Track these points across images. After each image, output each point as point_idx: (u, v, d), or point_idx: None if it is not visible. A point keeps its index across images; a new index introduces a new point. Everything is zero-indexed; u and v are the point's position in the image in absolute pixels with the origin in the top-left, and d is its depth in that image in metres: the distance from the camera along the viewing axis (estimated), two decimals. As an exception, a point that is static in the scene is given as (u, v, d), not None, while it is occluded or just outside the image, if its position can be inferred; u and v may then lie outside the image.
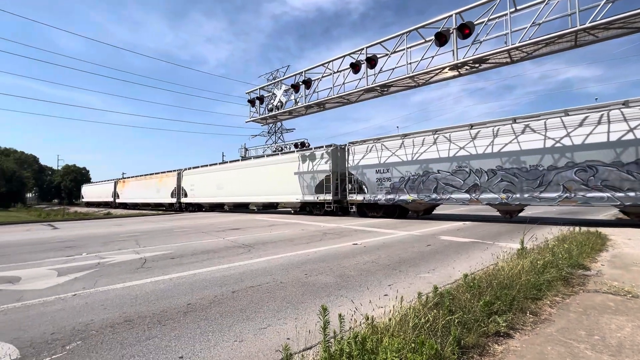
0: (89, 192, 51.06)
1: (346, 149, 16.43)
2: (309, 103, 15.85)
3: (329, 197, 16.77)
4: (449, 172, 12.61)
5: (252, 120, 19.25)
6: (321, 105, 16.56)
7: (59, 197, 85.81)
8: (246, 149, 33.38)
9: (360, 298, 4.02)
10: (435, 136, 13.20)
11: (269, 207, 24.70)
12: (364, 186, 15.53)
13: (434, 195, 12.98)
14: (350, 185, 16.24)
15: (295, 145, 27.08)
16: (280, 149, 29.53)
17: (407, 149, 14.10)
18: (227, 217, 19.31)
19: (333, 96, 14.71)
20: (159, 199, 30.16)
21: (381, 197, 14.82)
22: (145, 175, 34.48)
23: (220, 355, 2.87)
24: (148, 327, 3.37)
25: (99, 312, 3.77)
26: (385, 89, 14.10)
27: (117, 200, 39.02)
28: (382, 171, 14.89)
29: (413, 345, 2.53)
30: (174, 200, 28.20)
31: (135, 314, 3.71)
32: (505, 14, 10.21)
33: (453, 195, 12.41)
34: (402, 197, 14.08)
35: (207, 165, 26.33)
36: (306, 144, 26.36)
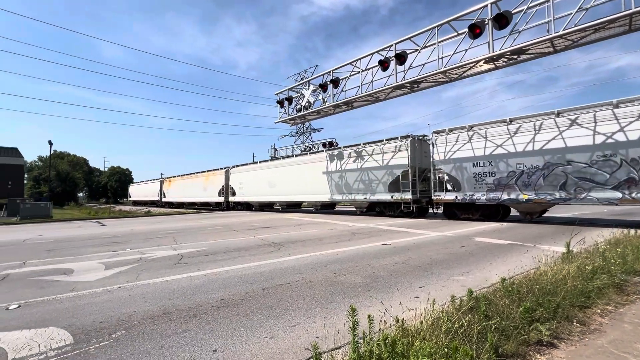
0: (135, 191, 52.31)
1: (430, 140, 14.15)
2: (337, 102, 15.81)
3: (407, 195, 14.40)
4: (586, 164, 9.83)
5: (281, 121, 19.56)
6: (349, 104, 16.46)
7: (105, 196, 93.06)
8: (275, 149, 34.01)
9: (390, 299, 3.95)
10: (562, 120, 10.22)
11: (328, 207, 23.11)
12: (453, 183, 12.96)
13: (560, 194, 10.21)
14: (435, 182, 13.62)
15: (324, 145, 27.18)
16: (308, 148, 29.79)
17: (517, 137, 11.21)
18: (257, 216, 19.79)
19: (361, 94, 14.57)
20: (206, 198, 30.06)
21: (480, 196, 12.06)
22: (191, 173, 34.63)
23: (252, 351, 2.95)
24: (184, 320, 3.55)
25: (141, 304, 4.02)
26: (416, 86, 13.70)
27: (163, 200, 39.58)
28: (481, 164, 12.04)
29: (446, 350, 2.43)
30: (221, 199, 28.07)
31: (172, 307, 3.91)
32: (547, 0, 9.51)
33: (593, 194, 9.65)
34: (511, 196, 11.32)
35: (256, 163, 26.13)
36: (334, 143, 26.36)
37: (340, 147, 19.89)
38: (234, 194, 27.03)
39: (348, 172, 17.62)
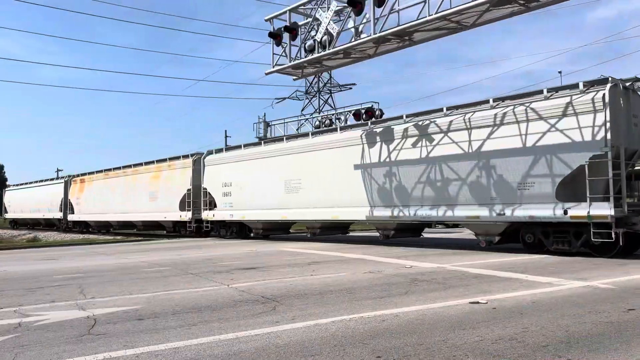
0: (16, 202, 55.55)
1: None
2: (383, 33, 15.74)
3: (602, 210, 13.15)
4: None
5: (277, 70, 19.69)
6: (405, 37, 16.36)
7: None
8: (267, 124, 34.38)
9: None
10: None
11: (336, 228, 23.86)
12: None
13: None
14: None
15: (356, 115, 27.25)
16: (327, 121, 29.89)
17: None
18: (236, 248, 19.95)
19: (429, 17, 14.44)
20: (157, 213, 31.22)
21: None
22: (126, 167, 36.16)
23: None
24: None
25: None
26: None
27: (71, 217, 41.97)
28: None
29: None
30: (186, 214, 28.90)
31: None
32: None
33: None
34: None
35: (259, 144, 26.34)
36: (376, 113, 26.36)
37: (390, 120, 19.73)
38: (212, 205, 27.54)
39: (440, 161, 17.00)
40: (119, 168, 37.08)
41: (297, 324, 6.44)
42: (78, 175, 42.90)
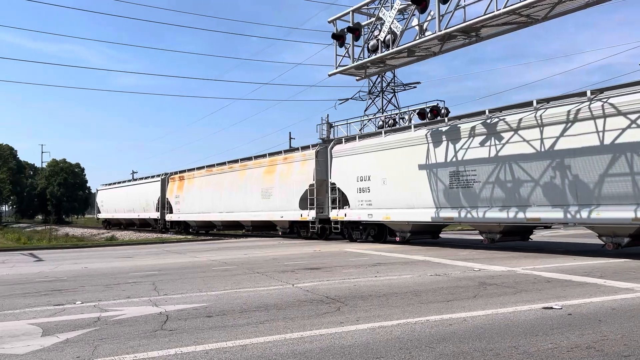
0: (109, 201, 53.78)
1: None
2: (448, 29, 15.44)
3: None
4: None
5: (340, 71, 19.74)
6: (471, 33, 15.99)
7: (44, 210, 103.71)
8: (330, 125, 34.50)
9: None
10: None
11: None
12: None
13: None
14: None
15: (421, 115, 26.81)
16: (390, 121, 29.62)
17: None
18: (297, 249, 20.19)
19: (496, 11, 14.03)
20: (272, 214, 28.27)
21: None
22: (231, 162, 33.65)
23: None
24: None
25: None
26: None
27: (169, 217, 39.59)
28: None
29: None
30: (310, 213, 25.32)
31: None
32: None
33: None
34: None
35: (407, 128, 22.02)
36: (442, 111, 25.83)
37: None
38: (342, 203, 23.95)
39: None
40: (223, 163, 34.36)
41: (362, 325, 6.44)
42: (176, 173, 40.20)
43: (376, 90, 50.71)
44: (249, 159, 31.83)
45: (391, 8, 17.22)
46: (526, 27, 15.44)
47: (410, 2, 16.03)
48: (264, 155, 30.99)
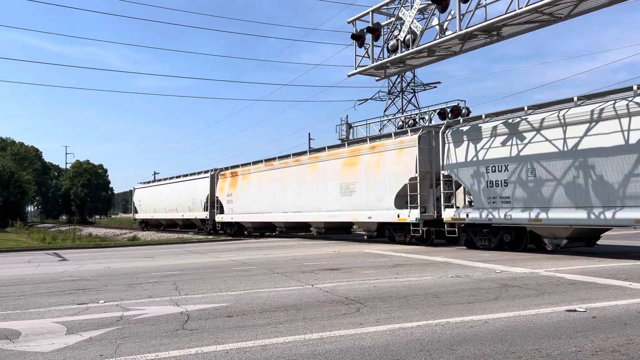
0: (148, 201, 49.38)
1: None
2: (469, 29, 15.32)
3: None
4: None
5: (360, 72, 19.72)
6: (493, 32, 15.84)
7: (68, 210, 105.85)
8: (350, 126, 34.56)
9: None
10: None
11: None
12: None
13: None
14: None
15: (441, 115, 26.70)
16: (410, 121, 29.50)
17: None
18: (317, 249, 20.21)
19: (518, 10, 13.88)
20: (356, 213, 23.65)
21: None
22: (297, 154, 29.40)
23: None
24: None
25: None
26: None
27: (220, 217, 35.28)
28: None
29: None
30: (412, 213, 20.31)
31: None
32: None
33: None
34: None
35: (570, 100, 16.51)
36: (463, 111, 25.67)
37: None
38: (456, 200, 19.70)
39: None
40: (287, 156, 30.01)
41: (382, 326, 6.43)
42: (227, 168, 36.21)
43: (396, 91, 50.45)
44: (321, 149, 27.66)
45: (411, 8, 17.17)
46: (549, 26, 15.23)
47: (430, 2, 15.94)
48: (341, 145, 26.78)
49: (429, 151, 20.47)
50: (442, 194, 19.49)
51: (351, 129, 34.87)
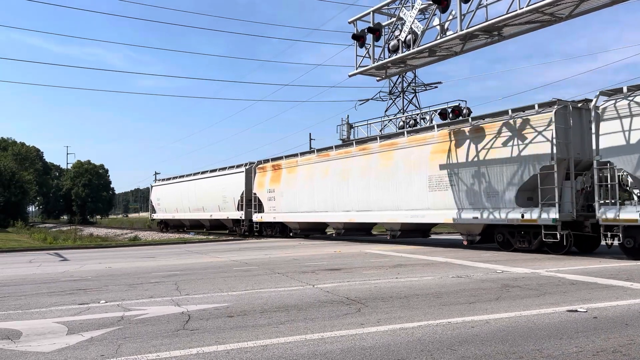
0: (169, 200, 44.44)
1: None
2: (470, 29, 15.31)
3: None
4: None
5: (361, 72, 19.71)
6: (494, 32, 15.83)
7: (69, 210, 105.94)
8: (351, 126, 34.52)
9: None
10: None
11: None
12: None
13: None
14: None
15: (442, 115, 26.66)
16: (411, 121, 29.50)
17: None
18: (318, 250, 20.19)
19: (519, 10, 13.87)
20: (445, 214, 19.41)
21: None
22: (360, 141, 25.70)
23: None
24: None
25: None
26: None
27: (259, 217, 31.00)
28: None
29: None
30: (549, 212, 15.79)
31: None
32: None
33: None
34: None
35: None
36: (463, 111, 25.67)
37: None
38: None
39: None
40: (349, 144, 26.12)
41: (383, 327, 6.43)
42: (267, 161, 32.03)
43: (397, 91, 50.47)
44: (398, 134, 23.12)
45: (412, 8, 17.15)
46: (550, 26, 15.22)
47: (431, 2, 15.95)
48: (428, 128, 21.72)
49: (565, 132, 15.92)
50: (595, 187, 14.91)
51: (352, 129, 34.84)
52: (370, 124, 33.59)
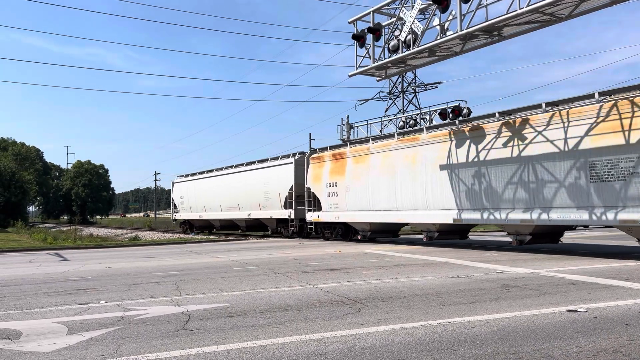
0: (195, 198, 39.87)
1: None
2: (470, 29, 15.31)
3: None
4: None
5: (361, 72, 19.70)
6: (494, 32, 15.82)
7: (69, 210, 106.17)
8: (351, 126, 34.52)
9: None
10: None
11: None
12: None
13: None
14: None
15: (442, 115, 26.65)
16: (411, 121, 29.50)
17: None
18: (318, 250, 20.18)
19: (519, 10, 13.87)
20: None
21: None
22: (466, 119, 20.36)
23: None
24: None
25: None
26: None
27: (314, 216, 26.26)
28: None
29: None
30: None
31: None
32: None
33: None
34: None
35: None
36: (464, 111, 25.69)
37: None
38: None
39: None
40: (449, 123, 20.88)
41: (383, 327, 6.43)
42: (324, 149, 27.28)
43: (397, 91, 50.48)
44: (506, 113, 17.44)
45: (412, 8, 17.14)
46: (550, 26, 15.21)
47: (431, 2, 15.93)
48: (555, 103, 16.05)
49: None
50: None
51: (352, 129, 34.84)
52: (370, 124, 33.58)
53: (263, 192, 30.76)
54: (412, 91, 50.80)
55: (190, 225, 42.05)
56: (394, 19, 18.31)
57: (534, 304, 7.80)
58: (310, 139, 53.86)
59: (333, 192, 25.25)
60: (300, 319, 7.01)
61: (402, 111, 46.49)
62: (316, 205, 26.61)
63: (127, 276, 12.48)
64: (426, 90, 51.16)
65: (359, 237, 24.30)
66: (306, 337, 5.96)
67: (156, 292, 9.65)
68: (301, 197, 27.59)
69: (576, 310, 7.26)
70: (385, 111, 49.69)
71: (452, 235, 21.11)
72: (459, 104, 26.19)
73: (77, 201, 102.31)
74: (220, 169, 37.34)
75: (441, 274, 11.61)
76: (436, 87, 51.20)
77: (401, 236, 26.07)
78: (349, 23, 19.41)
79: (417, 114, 31.09)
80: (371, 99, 50.83)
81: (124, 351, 5.53)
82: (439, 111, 27.39)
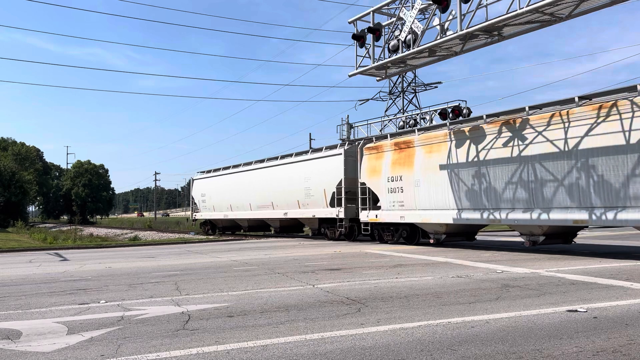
0: (218, 194, 35.93)
1: None
2: (470, 29, 15.31)
3: None
4: None
5: (361, 72, 19.70)
6: (494, 32, 15.82)
7: (69, 210, 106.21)
8: (351, 126, 34.53)
9: None
10: None
11: None
12: None
13: None
14: None
15: (442, 115, 26.67)
16: (411, 121, 29.50)
17: None
18: (318, 249, 20.18)
19: (519, 10, 13.87)
20: None
21: None
22: (563, 101, 15.83)
23: None
24: None
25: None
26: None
27: (371, 216, 22.83)
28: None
29: None
30: None
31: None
32: None
33: None
34: None
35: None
36: (464, 111, 25.70)
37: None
38: None
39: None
40: (569, 100, 15.52)
41: (383, 327, 6.43)
42: (382, 138, 23.87)
43: (397, 91, 50.47)
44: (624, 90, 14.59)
45: (412, 8, 17.13)
46: (550, 26, 15.21)
47: (431, 2, 15.92)
48: None
49: None
50: None
51: (352, 129, 34.83)
52: (370, 124, 33.59)
53: (303, 189, 26.95)
54: (412, 91, 50.82)
55: (212, 226, 38.10)
56: (394, 19, 18.31)
57: (534, 304, 7.80)
58: (310, 139, 53.95)
59: (397, 188, 21.35)
60: (300, 318, 7.02)
61: (402, 111, 46.50)
62: (374, 203, 23.00)
63: (127, 276, 12.49)
64: (426, 90, 51.21)
65: (431, 241, 20.32)
66: (306, 337, 5.96)
67: (156, 292, 9.66)
68: (353, 193, 24.14)
69: (576, 310, 7.26)
70: (385, 111, 49.72)
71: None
72: (459, 104, 26.20)
73: (77, 201, 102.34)
74: (249, 163, 33.55)
75: (441, 274, 11.61)
76: (436, 87, 51.24)
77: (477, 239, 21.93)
78: (349, 23, 19.41)
79: (417, 114, 31.11)
80: (371, 99, 50.85)
81: (124, 351, 5.53)
82: (439, 111, 27.42)
